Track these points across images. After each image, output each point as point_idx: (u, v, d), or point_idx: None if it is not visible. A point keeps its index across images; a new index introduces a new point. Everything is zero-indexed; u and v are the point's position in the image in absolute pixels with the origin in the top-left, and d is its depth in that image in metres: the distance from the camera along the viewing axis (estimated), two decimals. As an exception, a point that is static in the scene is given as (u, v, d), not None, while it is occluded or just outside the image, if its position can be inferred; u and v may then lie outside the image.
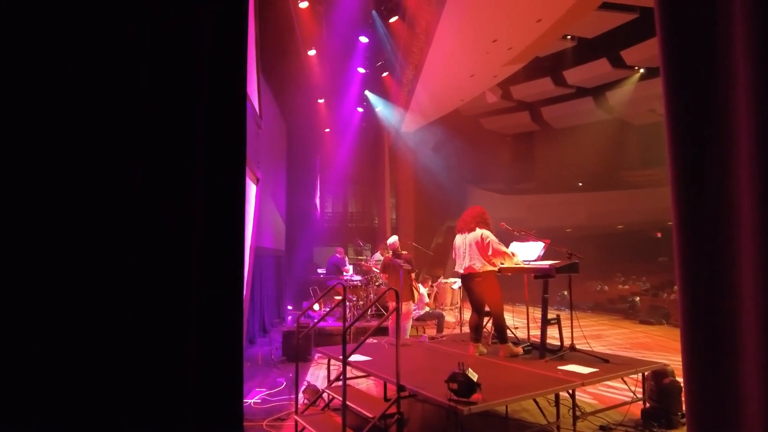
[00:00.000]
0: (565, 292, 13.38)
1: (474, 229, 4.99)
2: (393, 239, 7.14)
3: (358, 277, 9.37)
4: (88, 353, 1.94)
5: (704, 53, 1.58)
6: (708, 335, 1.54)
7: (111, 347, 1.96)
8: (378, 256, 9.46)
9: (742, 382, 1.38)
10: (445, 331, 7.99)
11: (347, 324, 4.23)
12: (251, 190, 4.70)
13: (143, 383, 1.99)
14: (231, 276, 2.17)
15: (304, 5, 9.35)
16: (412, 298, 6.96)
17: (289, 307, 11.99)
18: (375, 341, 6.53)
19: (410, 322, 7.07)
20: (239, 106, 2.36)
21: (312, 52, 11.10)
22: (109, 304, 1.97)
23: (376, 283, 8.80)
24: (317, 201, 16.36)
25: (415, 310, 7.83)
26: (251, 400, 5.16)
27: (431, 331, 8.06)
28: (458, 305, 9.19)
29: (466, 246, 5.03)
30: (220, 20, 2.41)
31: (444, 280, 10.31)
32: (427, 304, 8.83)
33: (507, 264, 4.91)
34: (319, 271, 11.17)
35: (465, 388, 3.26)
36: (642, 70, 17.09)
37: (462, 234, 5.13)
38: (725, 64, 1.51)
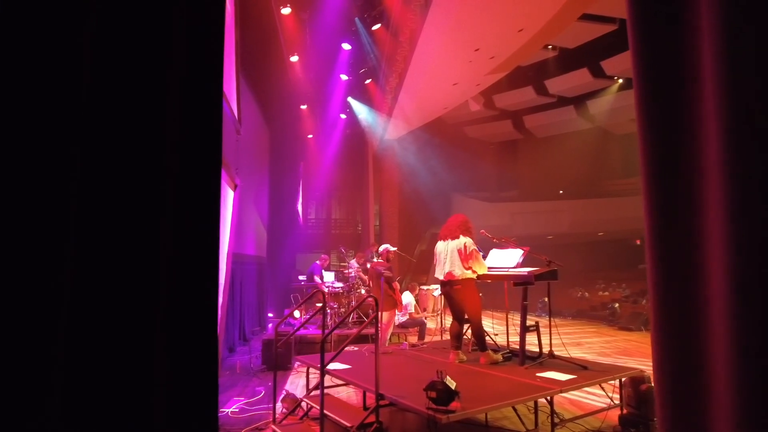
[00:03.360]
0: (546, 299, 13.46)
1: (458, 237, 5.04)
2: (383, 247, 7.18)
3: (340, 284, 9.32)
4: (42, 364, 1.85)
5: (673, 66, 1.60)
6: (679, 343, 1.55)
7: (64, 359, 1.87)
8: (354, 263, 9.42)
9: (712, 387, 1.39)
10: (427, 338, 7.98)
11: (325, 332, 4.19)
12: (229, 196, 4.66)
13: (105, 397, 1.92)
14: (204, 284, 2.12)
15: (286, 12, 9.34)
16: (394, 306, 6.92)
17: (270, 315, 11.87)
18: (356, 349, 6.50)
19: (390, 330, 7.04)
20: (214, 104, 2.32)
21: (294, 58, 11.08)
22: (65, 309, 1.89)
23: (358, 290, 8.76)
24: (300, 207, 16.28)
25: (399, 317, 7.80)
26: (229, 410, 5.07)
27: (413, 339, 8.04)
28: (439, 312, 9.18)
29: (448, 252, 5.07)
30: (194, 13, 2.37)
31: (426, 287, 10.31)
32: (411, 314, 8.81)
33: (480, 272, 4.96)
34: (300, 278, 11.09)
35: (444, 396, 3.24)
36: (621, 81, 17.40)
37: (445, 241, 5.17)
38: (693, 77, 1.53)
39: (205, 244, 2.22)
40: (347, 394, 5.54)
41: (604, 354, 8.22)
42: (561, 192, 21.63)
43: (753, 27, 1.32)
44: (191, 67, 2.33)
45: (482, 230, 5.44)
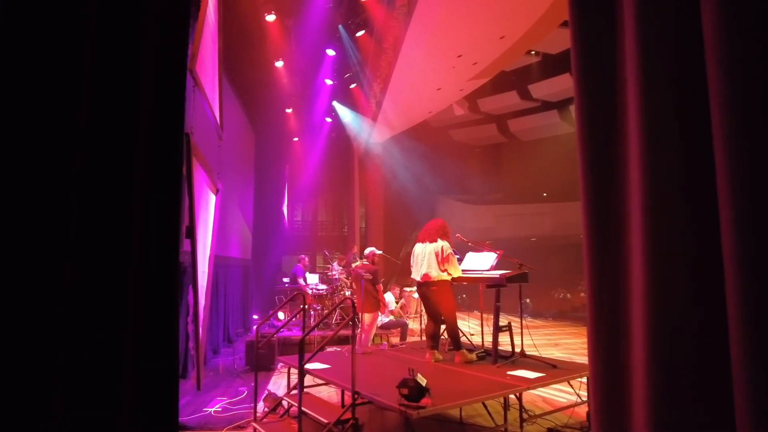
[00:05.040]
0: (528, 300, 13.71)
1: (436, 240, 5.23)
2: (369, 250, 7.35)
3: (324, 287, 9.45)
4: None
5: (608, 96, 1.80)
6: (610, 340, 1.74)
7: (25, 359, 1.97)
8: (337, 266, 9.57)
9: (632, 379, 1.58)
10: (409, 339, 8.14)
11: (304, 333, 4.34)
12: (211, 200, 4.79)
13: (66, 398, 2.03)
14: (166, 283, 2.25)
15: (271, 18, 9.47)
16: (377, 308, 7.08)
17: (255, 317, 11.96)
18: (338, 350, 6.65)
19: (373, 331, 7.19)
20: (178, 105, 2.46)
21: (279, 64, 11.21)
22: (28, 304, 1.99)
23: (341, 292, 8.91)
24: (285, 209, 16.37)
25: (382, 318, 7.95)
26: (212, 409, 5.21)
27: (395, 339, 8.20)
28: (422, 313, 9.36)
29: (425, 255, 5.26)
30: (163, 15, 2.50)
31: (408, 289, 10.48)
32: (392, 312, 8.97)
33: (455, 274, 5.16)
34: (285, 280, 11.19)
35: (415, 393, 3.40)
36: (603, 86, 17.70)
37: (423, 243, 5.36)
38: (624, 112, 1.73)
39: (169, 234, 2.36)
40: (328, 393, 5.68)
41: (580, 354, 8.44)
42: (545, 195, 21.91)
43: (666, 66, 1.52)
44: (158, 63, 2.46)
45: (458, 234, 5.63)
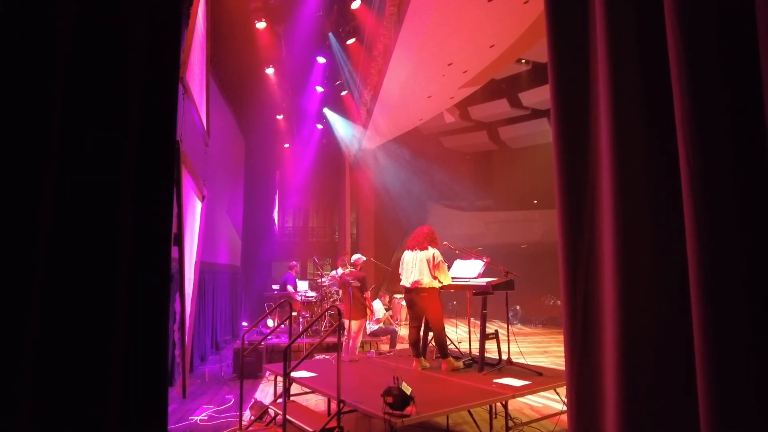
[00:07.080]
0: (518, 307, 13.75)
1: (426, 248, 5.26)
2: (356, 257, 7.36)
3: (313, 294, 9.42)
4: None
5: (581, 102, 1.83)
6: (583, 344, 1.76)
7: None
8: (340, 270, 9.54)
9: (604, 380, 1.60)
10: (398, 346, 8.14)
11: (290, 341, 4.33)
12: (197, 206, 4.79)
13: (55, 405, 2.02)
14: (156, 291, 2.25)
15: (261, 26, 9.50)
16: (365, 315, 7.07)
17: (244, 324, 11.89)
18: (327, 357, 6.63)
19: (360, 338, 7.18)
20: (170, 113, 2.47)
21: (270, 71, 11.24)
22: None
23: (331, 299, 8.89)
24: (276, 216, 16.33)
25: (370, 324, 7.94)
26: (198, 417, 5.16)
27: (384, 347, 8.19)
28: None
29: (416, 262, 5.29)
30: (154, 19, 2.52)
31: (398, 296, 10.48)
32: (379, 320, 8.95)
33: (445, 282, 5.19)
34: (274, 287, 11.15)
35: (399, 401, 3.40)
36: (591, 94, 17.90)
37: (413, 251, 5.38)
38: (597, 125, 1.76)
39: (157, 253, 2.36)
40: (316, 401, 5.66)
41: (568, 361, 8.46)
42: (535, 202, 22.02)
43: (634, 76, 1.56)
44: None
45: (445, 242, 5.65)
